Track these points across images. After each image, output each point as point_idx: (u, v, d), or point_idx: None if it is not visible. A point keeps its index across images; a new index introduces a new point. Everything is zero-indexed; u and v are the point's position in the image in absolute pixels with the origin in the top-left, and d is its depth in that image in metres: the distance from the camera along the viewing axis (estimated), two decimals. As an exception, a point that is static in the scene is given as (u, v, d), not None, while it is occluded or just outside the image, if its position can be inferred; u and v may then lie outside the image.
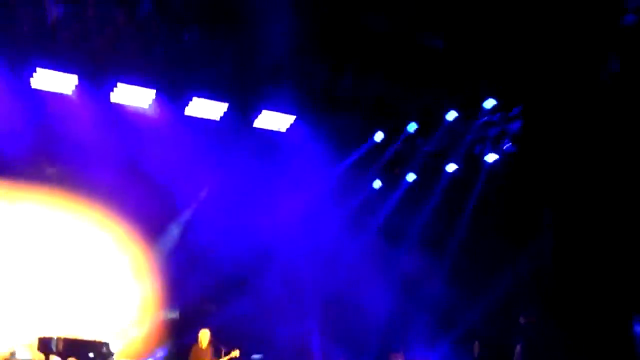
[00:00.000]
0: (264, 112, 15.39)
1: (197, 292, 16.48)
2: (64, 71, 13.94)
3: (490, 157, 15.95)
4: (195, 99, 14.75)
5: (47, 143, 15.06)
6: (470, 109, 16.00)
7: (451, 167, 16.49)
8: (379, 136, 16.48)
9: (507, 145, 15.46)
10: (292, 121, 15.62)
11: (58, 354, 13.28)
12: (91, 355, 13.75)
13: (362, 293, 16.79)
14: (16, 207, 16.11)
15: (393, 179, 17.26)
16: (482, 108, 15.70)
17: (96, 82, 14.33)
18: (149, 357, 16.11)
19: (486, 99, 15.23)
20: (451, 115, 15.74)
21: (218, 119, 15.25)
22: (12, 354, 14.04)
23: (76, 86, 14.15)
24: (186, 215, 17.30)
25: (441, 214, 16.94)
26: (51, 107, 14.48)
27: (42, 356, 13.43)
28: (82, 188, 16.44)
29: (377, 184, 17.34)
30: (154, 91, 14.56)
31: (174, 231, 17.44)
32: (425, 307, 16.87)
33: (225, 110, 15.08)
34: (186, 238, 17.13)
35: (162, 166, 15.77)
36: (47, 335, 13.58)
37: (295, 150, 15.95)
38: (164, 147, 15.66)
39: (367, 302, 16.70)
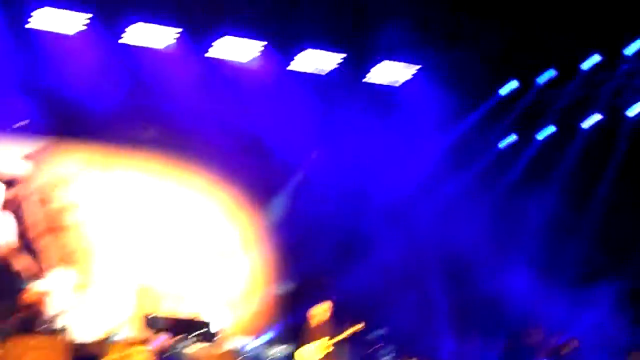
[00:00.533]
0: (383, 62, 14.87)
1: (313, 262, 16.03)
2: (162, 24, 13.69)
3: (634, 110, 15.73)
4: (306, 50, 14.34)
5: (143, 104, 15.00)
6: (613, 55, 15.39)
7: (590, 121, 15.94)
8: (509, 87, 15.74)
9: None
10: (412, 72, 15.06)
11: (162, 331, 13.08)
12: (196, 333, 13.47)
13: (491, 257, 16.12)
14: (112, 175, 16.15)
15: (525, 134, 16.58)
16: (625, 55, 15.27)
17: (197, 36, 14.11)
18: (262, 334, 15.63)
19: (631, 42, 14.64)
20: (591, 62, 15.17)
21: (327, 72, 14.89)
22: (115, 333, 13.92)
23: (175, 40, 13.92)
24: (297, 180, 17.05)
25: (580, 173, 16.24)
26: (148, 65, 14.30)
27: (146, 334, 13.27)
28: (183, 152, 16.44)
29: (506, 141, 16.67)
30: (259, 43, 14.21)
31: (285, 198, 17.17)
32: (565, 272, 16.16)
33: (340, 61, 14.66)
34: (299, 205, 16.82)
35: (268, 127, 15.45)
36: (150, 313, 13.49)
37: (414, 104, 15.35)
38: (269, 107, 15.37)
39: (498, 267, 16.06)
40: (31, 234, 15.40)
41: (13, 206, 15.16)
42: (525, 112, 16.22)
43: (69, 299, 15.25)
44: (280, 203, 17.14)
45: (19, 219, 15.25)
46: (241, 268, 17.27)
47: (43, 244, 15.45)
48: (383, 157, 16.26)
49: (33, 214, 15.50)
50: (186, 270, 16.54)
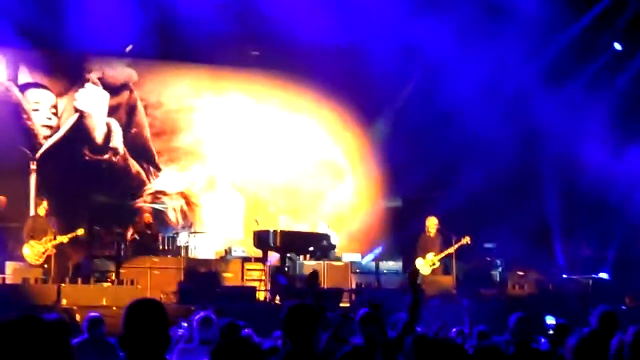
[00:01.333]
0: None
1: (420, 177, 15.71)
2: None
3: None
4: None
5: (249, 26, 14.69)
6: None
7: None
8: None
9: None
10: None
11: (276, 248, 12.99)
12: (311, 248, 13.39)
13: (604, 170, 15.29)
14: (224, 99, 16.13)
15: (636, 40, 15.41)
16: None
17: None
18: (372, 250, 15.73)
19: None
20: None
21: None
22: (228, 251, 14.11)
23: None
24: (403, 96, 16.56)
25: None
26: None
27: (258, 252, 13.27)
28: (289, 74, 16.26)
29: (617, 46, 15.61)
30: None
31: (391, 115, 16.71)
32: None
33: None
34: (404, 120, 16.35)
35: (373, 44, 14.85)
36: (263, 229, 13.29)
37: (523, 12, 14.42)
38: (373, 24, 14.78)
39: (610, 179, 15.28)
40: (140, 139, 15.70)
41: (120, 112, 15.44)
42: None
43: (186, 209, 15.66)
44: (387, 120, 16.78)
45: (127, 124, 15.50)
46: (350, 184, 17.17)
47: (153, 147, 15.74)
48: (492, 66, 15.44)
49: (140, 120, 15.74)
50: (296, 188, 16.49)
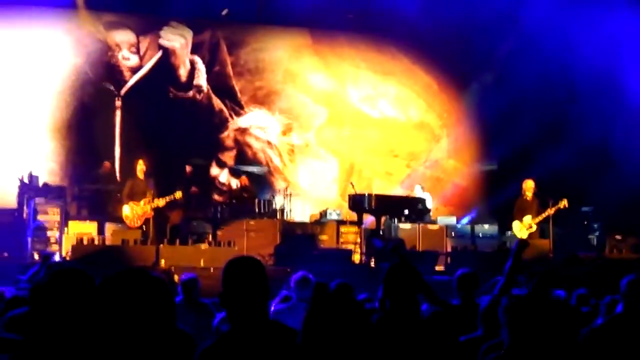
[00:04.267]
0: None
1: (516, 140, 15.17)
2: None
3: None
4: None
5: None
6: None
7: None
8: None
9: None
10: None
11: (371, 211, 12.71)
12: (406, 212, 13.07)
13: None
14: (318, 59, 16.08)
15: None
16: None
17: None
18: (468, 213, 15.53)
19: None
20: None
21: None
22: (323, 214, 14.08)
23: None
24: (499, 59, 16.04)
25: None
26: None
27: (353, 215, 13.07)
28: (384, 37, 16.04)
29: None
30: None
31: (487, 78, 16.24)
32: None
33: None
34: (500, 85, 15.86)
35: (464, 9, 14.63)
36: (358, 192, 13.08)
37: None
38: None
39: None
40: (224, 78, 15.63)
41: (203, 51, 15.44)
42: None
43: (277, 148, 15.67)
44: (481, 84, 16.37)
45: (210, 62, 15.49)
46: (444, 148, 16.98)
47: (237, 87, 15.66)
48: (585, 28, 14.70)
49: (223, 59, 15.65)
50: (391, 151, 16.36)
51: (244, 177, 14.35)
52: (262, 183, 15.33)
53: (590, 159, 14.63)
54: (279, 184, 15.38)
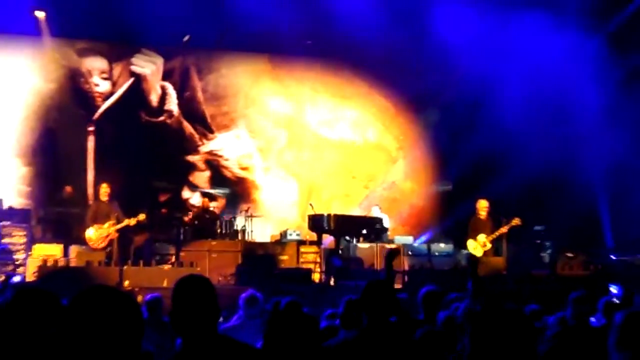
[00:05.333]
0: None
1: (470, 161, 15.65)
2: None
3: None
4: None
5: (306, 16, 14.73)
6: None
7: None
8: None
9: None
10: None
11: (330, 231, 13.04)
12: (365, 231, 13.42)
13: None
14: (278, 85, 16.50)
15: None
16: None
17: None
18: (424, 233, 15.82)
19: None
20: None
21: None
22: (283, 235, 14.30)
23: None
24: (453, 84, 16.37)
25: None
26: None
27: (313, 234, 13.40)
28: (343, 62, 16.42)
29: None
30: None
31: (442, 101, 16.69)
32: None
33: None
34: (455, 107, 16.37)
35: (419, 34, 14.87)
36: (318, 213, 13.42)
37: None
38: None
39: None
40: (194, 103, 16.01)
41: (174, 77, 15.83)
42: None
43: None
44: (436, 109, 16.82)
45: (181, 88, 15.87)
46: (401, 170, 17.25)
47: (207, 112, 16.04)
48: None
49: (193, 85, 16.04)
50: (349, 173, 16.64)
51: (205, 199, 14.55)
52: (233, 203, 15.72)
53: (542, 179, 14.98)
54: (249, 203, 15.86)
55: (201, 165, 16.13)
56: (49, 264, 11.35)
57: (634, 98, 15.46)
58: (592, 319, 7.45)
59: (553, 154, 15.12)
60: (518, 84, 15.18)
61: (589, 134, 15.59)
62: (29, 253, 12.23)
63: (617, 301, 8.40)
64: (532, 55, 15.49)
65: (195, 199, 15.61)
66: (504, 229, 13.21)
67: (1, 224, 12.40)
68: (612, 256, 15.05)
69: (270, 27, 14.38)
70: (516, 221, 13.22)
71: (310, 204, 13.71)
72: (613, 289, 10.09)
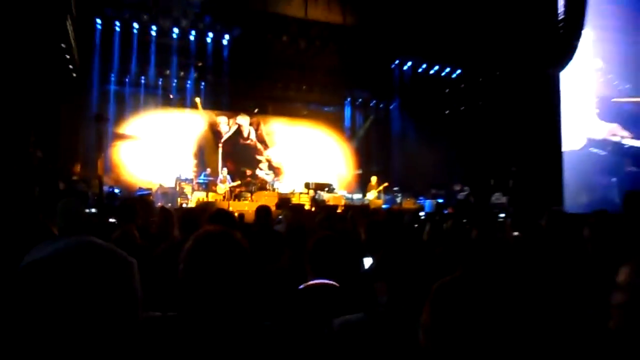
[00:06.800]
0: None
1: (374, 159, 24.72)
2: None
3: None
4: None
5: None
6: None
7: None
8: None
9: None
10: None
11: (312, 189, 20.21)
12: (326, 189, 20.72)
13: None
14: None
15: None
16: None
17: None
18: (352, 191, 23.11)
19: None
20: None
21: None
22: (295, 190, 20.59)
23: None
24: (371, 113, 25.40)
25: None
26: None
27: (307, 190, 20.02)
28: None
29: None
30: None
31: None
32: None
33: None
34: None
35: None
36: (308, 182, 20.62)
37: None
38: None
39: None
40: (261, 136, 23.56)
41: (253, 124, 23.69)
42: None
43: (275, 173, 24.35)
44: (360, 134, 25.90)
45: (256, 129, 23.82)
46: (342, 161, 26.12)
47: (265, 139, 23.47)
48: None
49: (260, 129, 23.75)
50: (320, 164, 25.29)
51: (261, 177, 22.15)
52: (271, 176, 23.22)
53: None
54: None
55: (264, 161, 23.85)
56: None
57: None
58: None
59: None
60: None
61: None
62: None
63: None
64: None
65: (261, 174, 23.65)
66: (382, 186, 20.67)
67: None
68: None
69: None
70: (385, 184, 20.70)
71: (305, 181, 20.49)
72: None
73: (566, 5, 19.30)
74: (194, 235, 2.61)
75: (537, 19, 18.66)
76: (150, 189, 18.69)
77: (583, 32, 20.04)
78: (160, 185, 19.81)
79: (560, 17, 19.40)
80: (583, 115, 21.41)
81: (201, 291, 2.37)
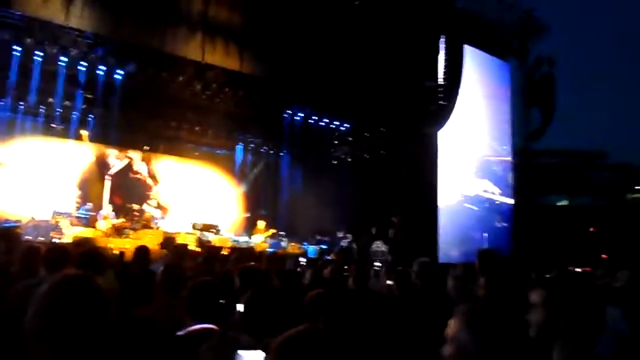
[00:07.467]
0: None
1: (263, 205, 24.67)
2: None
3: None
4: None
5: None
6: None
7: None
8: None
9: None
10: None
11: (200, 230, 20.43)
12: (213, 230, 20.81)
13: None
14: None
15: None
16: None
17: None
18: (241, 233, 22.79)
19: None
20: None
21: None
22: (182, 230, 19.96)
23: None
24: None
25: None
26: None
27: (195, 232, 19.97)
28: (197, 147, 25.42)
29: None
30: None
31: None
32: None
33: None
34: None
35: None
36: (196, 223, 20.95)
37: None
38: None
39: None
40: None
41: (144, 160, 23.55)
42: None
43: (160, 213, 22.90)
44: (250, 178, 26.48)
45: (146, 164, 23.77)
46: (231, 204, 26.09)
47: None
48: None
49: (150, 166, 23.79)
50: (208, 205, 25.08)
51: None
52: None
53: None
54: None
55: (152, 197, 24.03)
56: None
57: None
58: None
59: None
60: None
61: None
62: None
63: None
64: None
65: (149, 209, 22.43)
66: (269, 232, 21.69)
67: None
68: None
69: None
70: (273, 230, 21.49)
71: (193, 221, 23.66)
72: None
73: (445, 72, 21.51)
74: (50, 280, 2.45)
75: (419, 83, 20.76)
76: (19, 221, 17.49)
77: (458, 97, 22.09)
78: (32, 218, 18.69)
79: (440, 82, 21.06)
80: (458, 172, 22.97)
81: (52, 343, 2.19)
